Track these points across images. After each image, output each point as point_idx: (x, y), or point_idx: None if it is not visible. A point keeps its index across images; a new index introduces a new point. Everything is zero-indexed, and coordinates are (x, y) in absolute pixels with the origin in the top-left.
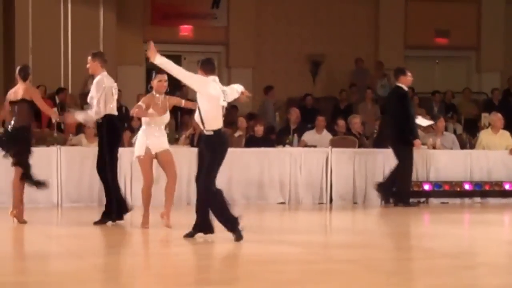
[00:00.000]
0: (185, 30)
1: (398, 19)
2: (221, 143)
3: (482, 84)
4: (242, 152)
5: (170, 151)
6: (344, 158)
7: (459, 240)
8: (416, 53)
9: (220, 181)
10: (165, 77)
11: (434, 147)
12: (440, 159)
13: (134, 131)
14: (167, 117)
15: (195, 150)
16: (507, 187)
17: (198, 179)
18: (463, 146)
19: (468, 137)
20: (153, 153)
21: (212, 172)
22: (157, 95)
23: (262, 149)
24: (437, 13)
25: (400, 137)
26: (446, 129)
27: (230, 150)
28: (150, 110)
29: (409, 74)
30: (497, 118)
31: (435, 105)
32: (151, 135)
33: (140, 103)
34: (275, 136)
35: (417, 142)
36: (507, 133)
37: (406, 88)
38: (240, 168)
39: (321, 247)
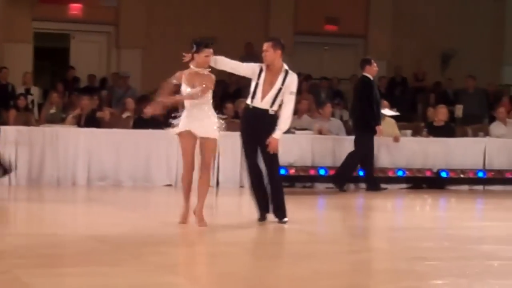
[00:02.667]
0: (74, 8)
1: (289, 5)
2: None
3: None
4: (129, 133)
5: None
6: (231, 142)
7: (344, 225)
8: (306, 39)
9: (107, 162)
10: (212, 51)
11: (320, 133)
12: (326, 145)
13: (20, 110)
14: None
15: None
16: (390, 174)
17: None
18: (349, 132)
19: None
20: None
21: None
22: (201, 71)
23: (150, 131)
24: (327, 0)
25: (362, 124)
26: (333, 115)
27: (117, 131)
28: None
29: (374, 64)
30: (383, 105)
31: (323, 91)
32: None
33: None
34: (163, 118)
35: (379, 128)
36: (392, 120)
37: (371, 77)
38: (127, 149)
39: (207, 229)
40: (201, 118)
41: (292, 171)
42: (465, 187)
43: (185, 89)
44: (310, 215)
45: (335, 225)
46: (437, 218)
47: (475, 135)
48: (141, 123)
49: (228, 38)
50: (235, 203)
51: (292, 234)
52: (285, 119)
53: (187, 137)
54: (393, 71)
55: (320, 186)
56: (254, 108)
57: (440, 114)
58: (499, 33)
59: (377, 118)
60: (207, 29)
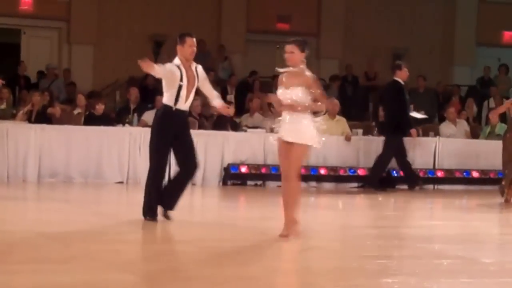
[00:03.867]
0: (25, 3)
1: (241, 3)
2: None
3: (321, 70)
4: (80, 130)
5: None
6: None
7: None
8: (258, 37)
9: (58, 159)
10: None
11: (272, 131)
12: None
13: None
14: None
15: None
16: (341, 172)
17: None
18: None
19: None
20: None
21: None
22: (299, 70)
23: (101, 127)
24: None
25: (393, 127)
26: None
27: (69, 128)
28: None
29: (405, 69)
30: (334, 104)
31: (275, 89)
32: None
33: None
34: (115, 115)
35: (413, 131)
36: (343, 119)
37: (402, 82)
38: (78, 146)
39: (157, 227)
40: (292, 122)
41: (243, 169)
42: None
43: (282, 91)
44: (263, 213)
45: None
46: (388, 217)
47: (425, 135)
48: (92, 119)
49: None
50: (186, 201)
51: (245, 232)
52: None
53: (280, 144)
54: (345, 70)
55: (271, 184)
56: (178, 110)
57: None
58: (449, 34)
59: (410, 121)
60: (159, 26)
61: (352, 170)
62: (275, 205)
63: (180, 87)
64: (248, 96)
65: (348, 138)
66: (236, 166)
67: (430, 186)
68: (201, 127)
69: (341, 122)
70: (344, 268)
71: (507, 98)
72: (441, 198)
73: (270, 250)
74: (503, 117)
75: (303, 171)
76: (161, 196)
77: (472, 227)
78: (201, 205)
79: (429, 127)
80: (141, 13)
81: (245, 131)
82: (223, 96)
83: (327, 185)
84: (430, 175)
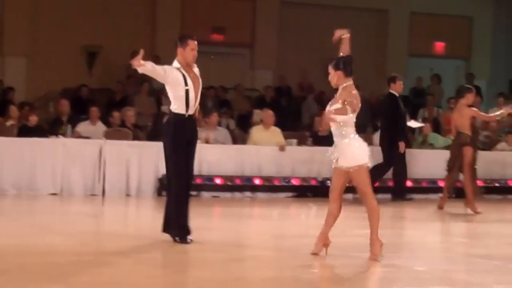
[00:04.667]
0: None
1: (175, 14)
2: None
3: (255, 81)
4: (13, 141)
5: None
6: (117, 150)
7: (229, 233)
8: None
9: None
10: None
11: (207, 142)
12: (212, 153)
13: None
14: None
15: None
16: (276, 182)
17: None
18: (235, 141)
19: (241, 132)
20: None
21: None
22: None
23: (35, 139)
24: (214, 9)
25: (390, 139)
26: (219, 124)
27: (1, 140)
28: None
29: (399, 82)
30: (268, 114)
31: (210, 100)
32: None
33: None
34: (49, 126)
35: (401, 144)
36: (278, 129)
37: (397, 94)
38: (11, 157)
39: (92, 238)
40: (340, 145)
41: None
42: (349, 196)
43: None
44: (198, 223)
45: (222, 233)
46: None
47: None
48: (25, 131)
49: (114, 46)
50: (121, 212)
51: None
52: None
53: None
54: (279, 80)
55: (206, 194)
56: (189, 116)
57: (324, 124)
58: (382, 45)
59: (401, 134)
60: (93, 37)
61: (286, 180)
62: (210, 216)
63: (187, 91)
64: None
65: (282, 149)
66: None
67: None
68: (135, 138)
69: (276, 133)
70: (279, 278)
71: (440, 107)
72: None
73: (204, 260)
74: (435, 127)
75: (238, 181)
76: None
77: (405, 235)
78: (136, 216)
79: (363, 136)
80: (74, 24)
81: None
82: (158, 107)
83: (262, 195)
84: None
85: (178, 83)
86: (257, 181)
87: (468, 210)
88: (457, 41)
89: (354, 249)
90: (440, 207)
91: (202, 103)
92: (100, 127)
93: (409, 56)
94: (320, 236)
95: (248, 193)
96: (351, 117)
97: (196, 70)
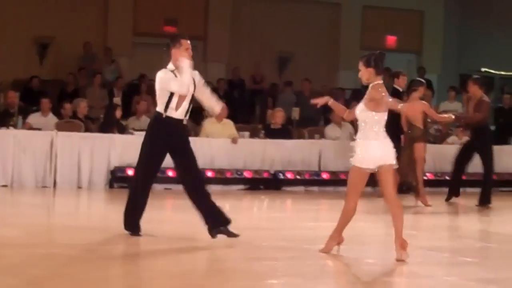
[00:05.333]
0: None
1: (127, 6)
2: None
3: (208, 73)
4: None
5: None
6: (69, 142)
7: (181, 226)
8: (145, 40)
9: None
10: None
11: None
12: None
13: None
14: None
15: None
16: (228, 175)
17: None
18: (188, 134)
19: (193, 124)
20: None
21: None
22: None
23: None
24: (166, 1)
25: (393, 133)
26: None
27: None
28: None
29: (402, 77)
30: (222, 107)
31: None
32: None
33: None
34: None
35: (403, 137)
36: (230, 122)
37: (400, 89)
38: None
39: (43, 230)
40: (368, 144)
41: (130, 172)
42: (301, 188)
43: (357, 112)
44: (149, 216)
45: (174, 226)
46: (274, 219)
47: (311, 137)
48: None
49: (66, 38)
50: (72, 204)
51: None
52: None
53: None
54: (231, 73)
55: (159, 187)
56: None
57: (277, 117)
58: (334, 38)
59: (402, 128)
60: (45, 29)
61: (239, 173)
62: (162, 208)
63: (171, 94)
64: (135, 98)
65: (235, 141)
66: (123, 169)
67: (315, 188)
68: (87, 130)
69: (228, 125)
70: (231, 269)
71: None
72: (327, 200)
73: (156, 252)
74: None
75: None
76: (209, 216)
77: (356, 228)
78: (87, 208)
79: (315, 130)
80: (26, 16)
81: (132, 133)
82: (110, 99)
83: (214, 188)
84: (315, 177)
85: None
86: (209, 174)
87: (418, 203)
88: (409, 35)
89: (305, 241)
90: (425, 203)
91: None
92: (52, 118)
93: (362, 49)
94: (333, 234)
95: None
96: (384, 115)
97: (194, 75)
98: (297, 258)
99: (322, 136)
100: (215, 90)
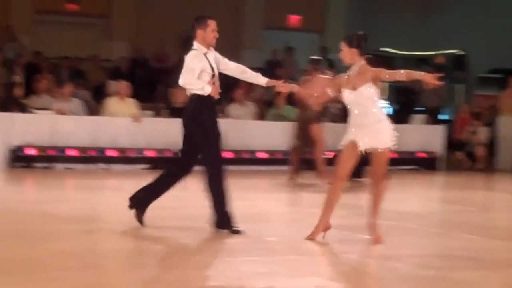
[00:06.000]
0: None
1: None
2: None
3: (111, 51)
4: None
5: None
6: None
7: (83, 206)
8: (46, 17)
9: None
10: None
11: (61, 113)
12: (66, 125)
13: None
14: None
15: None
16: (131, 154)
17: None
18: (91, 112)
19: (96, 103)
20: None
21: None
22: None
23: None
24: None
25: None
26: (74, 95)
27: None
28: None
29: None
30: (124, 86)
31: (64, 70)
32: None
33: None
34: None
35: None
36: (133, 101)
37: None
38: None
39: None
40: (368, 125)
41: (31, 151)
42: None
43: (348, 94)
44: (51, 196)
45: (75, 205)
46: (176, 198)
47: None
48: None
49: None
50: None
51: (32, 215)
52: None
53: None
54: (135, 51)
55: (59, 166)
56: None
57: (179, 96)
58: (238, 17)
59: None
60: None
61: (141, 152)
62: (63, 188)
63: (213, 77)
64: (35, 77)
65: (137, 120)
66: (23, 148)
67: None
68: None
69: (131, 104)
70: (130, 249)
71: (292, 79)
72: (229, 179)
73: (57, 232)
74: (289, 100)
75: (92, 153)
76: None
77: (258, 206)
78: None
79: (218, 109)
80: None
81: (33, 112)
82: (10, 77)
83: (117, 167)
84: None
85: (205, 70)
86: (112, 153)
87: (319, 181)
88: (312, 15)
89: (205, 220)
90: (292, 178)
91: (57, 74)
92: None
93: (265, 29)
94: (321, 220)
95: (102, 165)
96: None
97: (213, 53)
98: (197, 237)
99: (225, 115)
100: (117, 68)
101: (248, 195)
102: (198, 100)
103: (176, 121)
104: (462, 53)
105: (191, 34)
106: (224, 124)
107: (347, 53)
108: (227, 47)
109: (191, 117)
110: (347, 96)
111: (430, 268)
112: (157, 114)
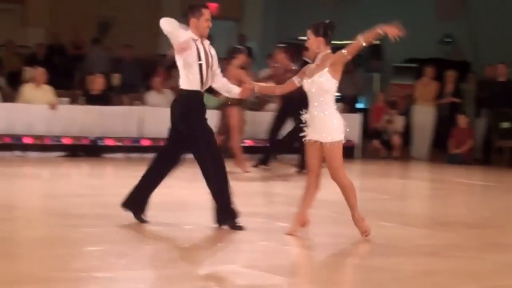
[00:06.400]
0: None
1: None
2: None
3: (27, 38)
4: None
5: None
6: None
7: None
8: None
9: None
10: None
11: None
12: None
13: None
14: None
15: None
16: (47, 141)
17: None
18: (6, 99)
19: (11, 90)
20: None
21: None
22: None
23: None
24: None
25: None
26: None
27: None
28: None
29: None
30: (40, 72)
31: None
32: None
33: None
34: None
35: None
36: (49, 87)
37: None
38: None
39: None
40: (317, 117)
41: None
42: (121, 155)
43: (304, 83)
44: None
45: None
46: (93, 186)
47: (131, 104)
48: None
49: None
50: None
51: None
52: None
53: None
54: (51, 38)
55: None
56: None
57: (97, 83)
58: (156, 3)
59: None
60: None
61: (58, 139)
62: None
63: (200, 66)
64: None
65: (53, 107)
66: None
67: (137, 155)
68: None
69: (47, 91)
70: (48, 237)
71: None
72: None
73: None
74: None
75: (7, 140)
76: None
77: (174, 194)
78: None
79: (135, 96)
80: None
81: None
82: None
83: (33, 154)
84: (135, 144)
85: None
86: (27, 140)
87: (237, 169)
88: (229, 3)
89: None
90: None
91: None
92: None
93: (182, 16)
94: (297, 215)
95: (18, 152)
96: (336, 84)
97: (211, 48)
98: (115, 225)
99: (143, 103)
100: (33, 55)
101: (168, 183)
102: (187, 96)
103: (93, 108)
104: (378, 42)
105: (108, 21)
106: (141, 112)
107: (313, 42)
108: (144, 34)
109: (181, 115)
110: (305, 85)
111: (345, 255)
112: (74, 101)
